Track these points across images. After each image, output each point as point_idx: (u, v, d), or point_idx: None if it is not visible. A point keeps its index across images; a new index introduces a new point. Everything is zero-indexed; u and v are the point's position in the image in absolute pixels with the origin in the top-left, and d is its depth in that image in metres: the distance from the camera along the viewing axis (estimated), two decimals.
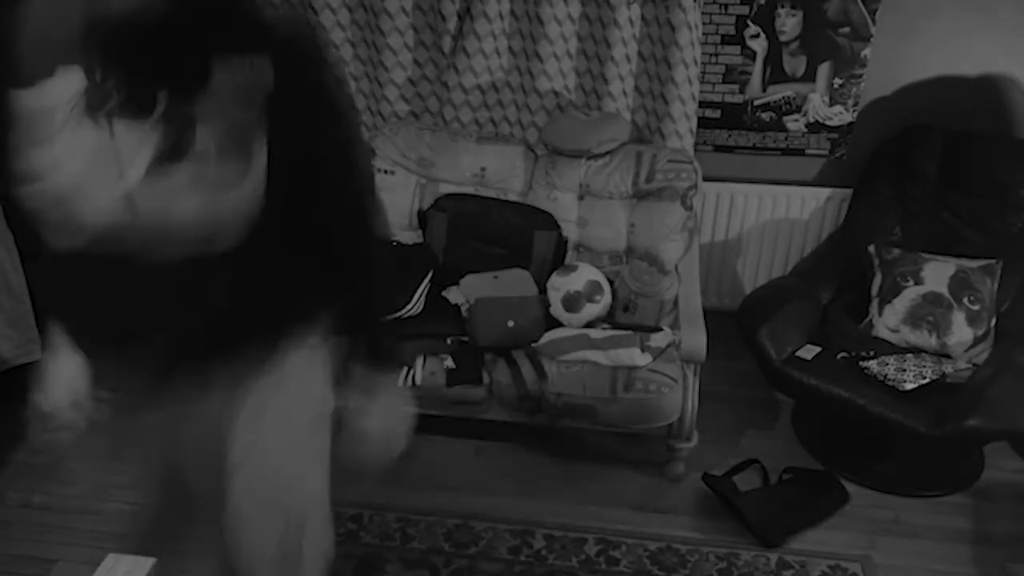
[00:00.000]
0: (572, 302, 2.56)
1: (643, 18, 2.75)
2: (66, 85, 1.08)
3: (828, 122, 2.92)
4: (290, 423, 1.42)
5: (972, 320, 2.51)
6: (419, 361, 2.42)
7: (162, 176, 1.12)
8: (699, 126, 2.94)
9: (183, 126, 1.11)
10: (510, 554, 2.32)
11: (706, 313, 2.56)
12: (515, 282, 2.67)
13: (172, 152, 1.11)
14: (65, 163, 1.11)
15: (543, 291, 2.63)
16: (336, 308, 1.41)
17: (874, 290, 2.66)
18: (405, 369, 2.39)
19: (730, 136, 3.00)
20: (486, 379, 2.41)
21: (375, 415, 1.43)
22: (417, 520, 2.44)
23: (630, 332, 2.49)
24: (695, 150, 2.90)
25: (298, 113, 1.20)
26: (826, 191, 2.97)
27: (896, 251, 2.66)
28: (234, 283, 1.26)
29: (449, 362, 2.42)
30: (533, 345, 2.46)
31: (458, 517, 2.46)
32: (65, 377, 1.37)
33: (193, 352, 1.31)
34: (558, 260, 2.75)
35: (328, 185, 1.31)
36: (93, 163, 1.11)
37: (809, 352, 2.56)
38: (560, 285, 2.59)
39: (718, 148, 3.03)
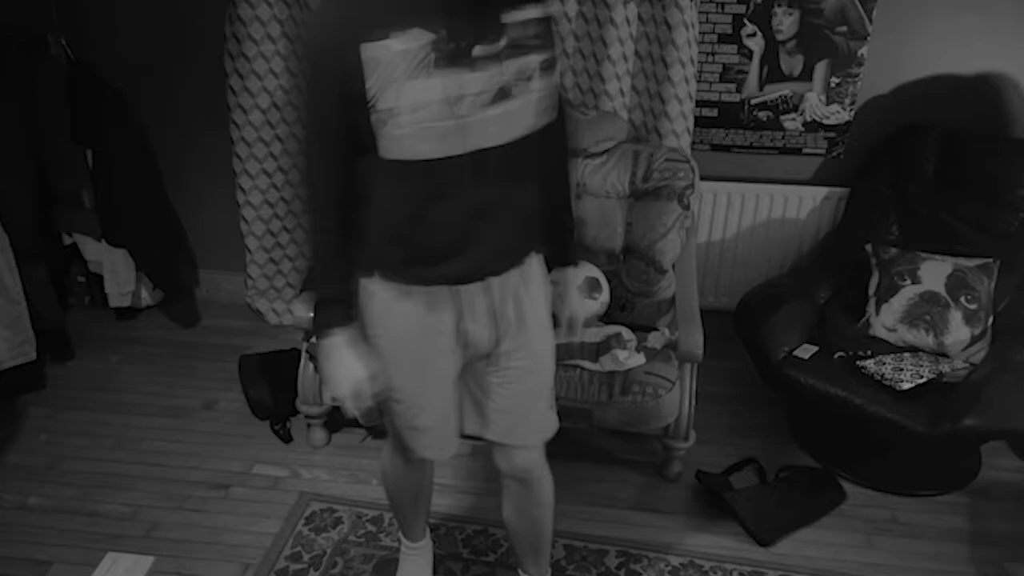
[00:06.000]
0: None
1: (640, 17, 2.74)
2: (405, 41, 1.38)
3: (825, 121, 2.92)
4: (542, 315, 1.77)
5: (969, 319, 2.51)
6: None
7: (486, 108, 1.45)
8: (696, 125, 2.94)
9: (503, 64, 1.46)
10: None
11: (703, 312, 2.55)
12: None
13: (500, 91, 1.45)
14: (412, 103, 1.40)
15: None
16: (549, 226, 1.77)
17: (871, 289, 2.66)
18: None
19: (727, 135, 3.00)
20: None
21: (568, 305, 1.85)
22: (437, 524, 2.42)
23: (618, 332, 2.48)
24: (692, 149, 2.90)
25: None
26: (823, 190, 2.97)
27: (893, 250, 2.66)
28: (514, 204, 1.59)
29: None
30: None
31: (478, 523, 2.43)
32: (348, 372, 1.60)
33: (488, 257, 1.61)
34: None
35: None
36: (435, 103, 1.41)
37: (806, 351, 2.56)
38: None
39: (715, 147, 3.02)
